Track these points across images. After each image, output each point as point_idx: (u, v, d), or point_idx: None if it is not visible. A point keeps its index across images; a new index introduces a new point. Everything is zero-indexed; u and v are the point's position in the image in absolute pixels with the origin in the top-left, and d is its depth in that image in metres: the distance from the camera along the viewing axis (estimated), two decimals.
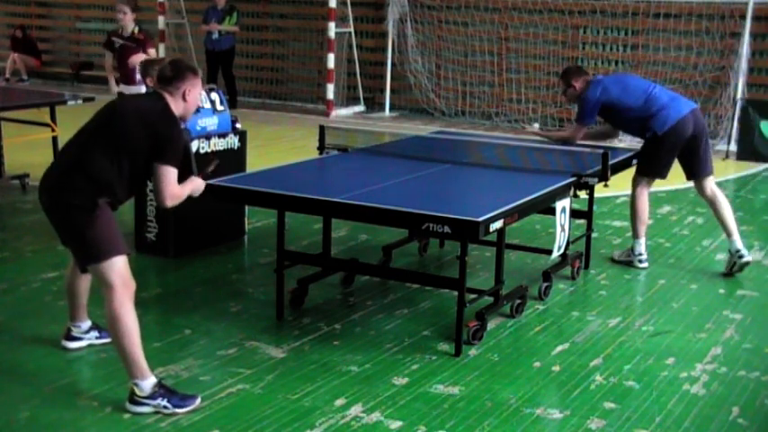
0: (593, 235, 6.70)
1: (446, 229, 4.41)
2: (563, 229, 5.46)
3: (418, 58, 13.96)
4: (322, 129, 6.32)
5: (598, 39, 12.95)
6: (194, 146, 6.08)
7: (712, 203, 6.47)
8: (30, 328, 5.02)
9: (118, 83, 8.23)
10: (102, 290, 4.07)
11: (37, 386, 4.31)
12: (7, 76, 16.82)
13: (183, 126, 4.27)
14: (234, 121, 6.71)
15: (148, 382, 4.05)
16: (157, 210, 6.38)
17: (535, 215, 5.83)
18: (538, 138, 7.09)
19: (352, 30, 14.20)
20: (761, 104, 11.39)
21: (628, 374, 4.65)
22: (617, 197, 8.51)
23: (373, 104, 14.60)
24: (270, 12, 15.58)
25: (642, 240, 6.50)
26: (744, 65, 11.92)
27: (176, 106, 4.23)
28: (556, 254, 5.55)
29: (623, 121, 6.46)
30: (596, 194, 6.55)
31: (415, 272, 6.10)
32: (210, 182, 5.07)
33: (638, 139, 6.73)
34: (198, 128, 6.30)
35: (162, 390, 4.07)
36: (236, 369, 4.55)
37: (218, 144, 6.49)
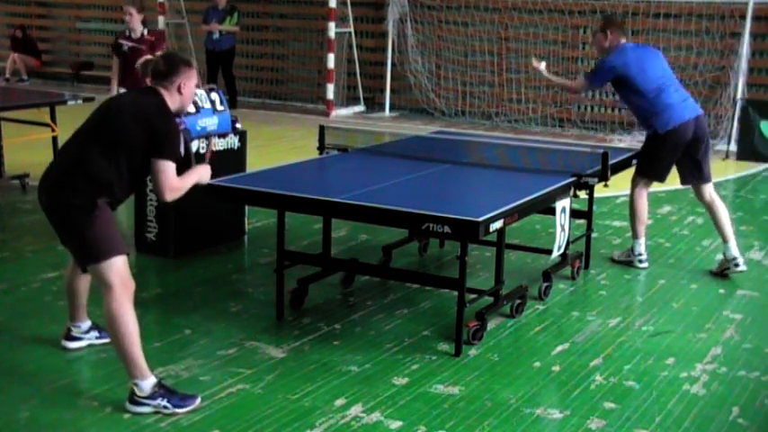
0: (593, 235, 6.70)
1: (446, 229, 4.41)
2: (563, 229, 5.46)
3: (418, 58, 13.96)
4: (322, 129, 6.32)
5: None
6: (194, 146, 6.07)
7: (710, 208, 6.46)
8: (30, 328, 5.02)
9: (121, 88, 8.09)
10: (102, 290, 4.07)
11: (37, 386, 4.31)
12: (7, 76, 16.82)
13: (179, 120, 4.25)
14: (234, 121, 6.71)
15: (148, 382, 4.05)
16: (157, 210, 6.38)
17: (535, 215, 5.83)
18: (540, 146, 7.08)
19: (352, 30, 14.19)
20: (761, 104, 11.39)
21: (628, 374, 4.65)
22: (617, 197, 8.51)
23: (373, 104, 14.60)
24: (270, 12, 15.58)
25: (642, 240, 6.50)
26: (744, 65, 11.92)
27: (172, 100, 4.23)
28: (556, 254, 5.55)
29: (630, 102, 6.40)
30: (596, 194, 6.55)
31: (415, 272, 6.10)
32: (210, 182, 5.07)
33: (638, 140, 6.73)
34: (198, 128, 6.30)
35: (162, 390, 4.06)
36: (236, 369, 4.55)
37: (218, 144, 6.49)
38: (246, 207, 6.93)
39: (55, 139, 7.93)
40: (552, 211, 5.37)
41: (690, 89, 11.76)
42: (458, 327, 4.82)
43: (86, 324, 4.76)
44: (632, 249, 6.53)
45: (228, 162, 6.34)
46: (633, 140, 11.62)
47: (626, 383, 4.54)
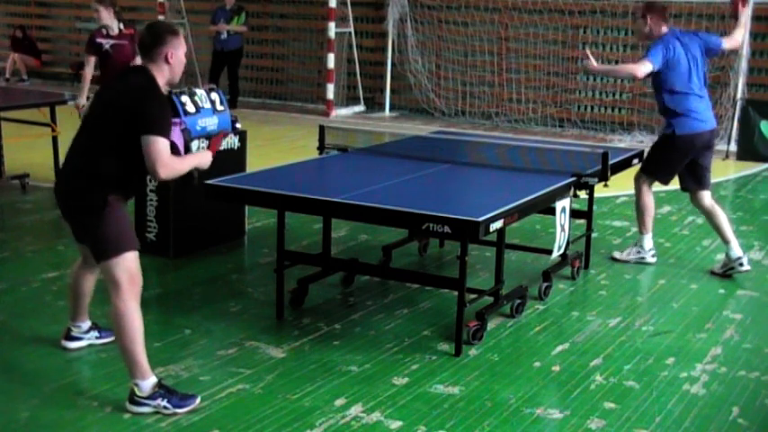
0: (593, 235, 6.70)
1: (446, 229, 4.41)
2: (563, 229, 5.46)
3: (418, 58, 13.95)
4: (322, 129, 6.32)
5: (598, 39, 12.95)
6: (194, 146, 6.07)
7: (709, 214, 6.46)
8: (30, 328, 5.02)
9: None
10: (109, 286, 4.07)
11: (37, 386, 4.31)
12: (7, 76, 16.82)
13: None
14: (234, 121, 6.71)
15: (148, 383, 4.05)
16: (157, 210, 6.38)
17: (535, 215, 5.83)
18: (540, 146, 7.08)
19: (352, 30, 14.20)
20: (761, 104, 11.39)
21: (628, 374, 4.65)
22: (617, 197, 8.51)
23: (373, 104, 14.60)
24: (270, 12, 15.58)
25: (649, 236, 6.53)
26: (744, 65, 11.92)
27: (161, 74, 4.09)
28: (556, 254, 5.55)
29: (658, 92, 6.40)
30: (596, 194, 6.55)
31: (415, 272, 6.10)
32: (210, 182, 5.08)
33: (638, 140, 6.73)
34: (198, 128, 6.29)
35: (162, 390, 4.06)
36: (236, 369, 4.55)
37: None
38: (246, 207, 6.94)
39: (55, 139, 7.94)
40: (552, 211, 5.38)
41: None
42: (458, 327, 4.82)
43: (87, 324, 4.75)
44: (642, 246, 6.54)
45: (228, 162, 6.34)
46: (633, 140, 11.63)
47: (626, 383, 4.54)
